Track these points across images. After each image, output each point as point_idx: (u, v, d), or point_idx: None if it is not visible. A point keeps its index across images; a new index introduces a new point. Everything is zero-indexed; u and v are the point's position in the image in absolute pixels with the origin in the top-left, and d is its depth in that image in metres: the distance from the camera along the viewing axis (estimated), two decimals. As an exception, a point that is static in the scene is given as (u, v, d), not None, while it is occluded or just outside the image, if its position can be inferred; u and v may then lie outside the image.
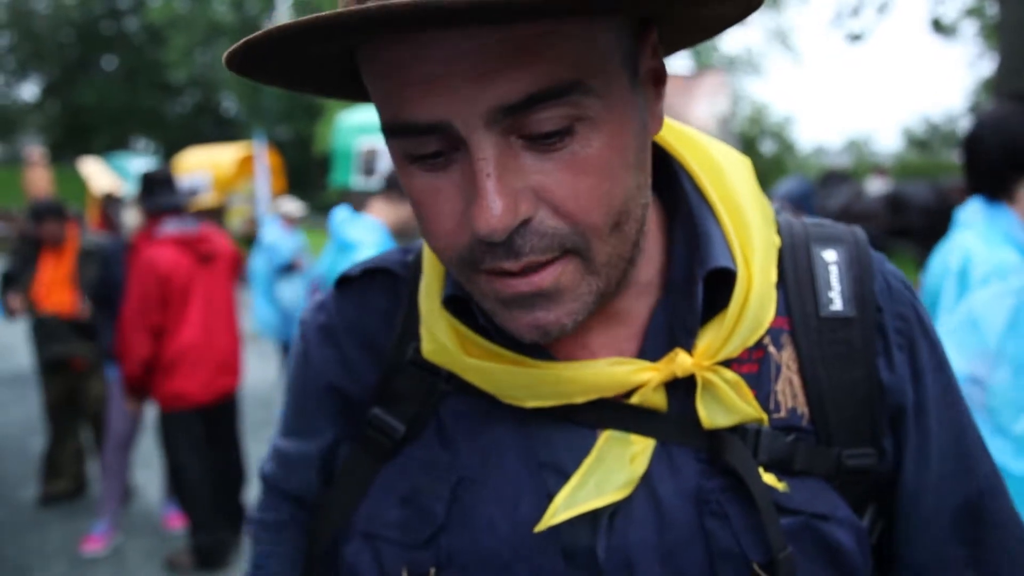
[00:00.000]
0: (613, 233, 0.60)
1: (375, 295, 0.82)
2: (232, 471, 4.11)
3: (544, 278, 0.59)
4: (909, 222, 11.66)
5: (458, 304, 0.71)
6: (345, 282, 0.84)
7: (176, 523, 4.50)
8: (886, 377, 0.71)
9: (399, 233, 3.05)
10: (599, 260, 0.61)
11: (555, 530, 0.67)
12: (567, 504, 0.65)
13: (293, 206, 6.50)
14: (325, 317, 0.83)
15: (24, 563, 4.15)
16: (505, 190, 0.56)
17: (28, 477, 5.26)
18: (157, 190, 3.88)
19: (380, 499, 0.73)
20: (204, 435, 3.91)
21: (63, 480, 4.94)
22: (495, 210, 0.55)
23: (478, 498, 0.70)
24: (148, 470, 5.28)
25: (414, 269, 0.80)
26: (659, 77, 0.66)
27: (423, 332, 0.74)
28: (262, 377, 7.60)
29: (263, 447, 5.59)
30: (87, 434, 5.00)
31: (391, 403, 0.75)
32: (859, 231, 0.76)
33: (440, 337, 0.72)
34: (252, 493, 4.46)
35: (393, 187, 3.09)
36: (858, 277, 0.72)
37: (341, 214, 3.10)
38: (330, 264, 3.06)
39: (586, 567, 0.66)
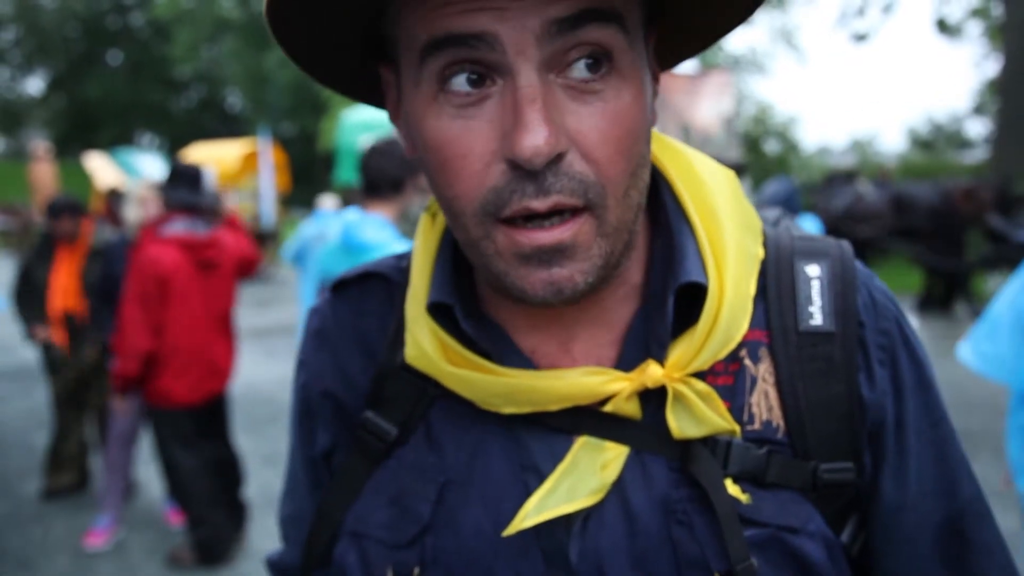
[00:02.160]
0: (625, 196, 0.63)
1: (370, 299, 0.83)
2: (226, 467, 4.13)
3: (564, 232, 0.61)
4: (913, 222, 11.65)
5: (442, 311, 0.72)
6: (341, 286, 0.85)
7: (178, 519, 4.51)
8: (866, 392, 0.72)
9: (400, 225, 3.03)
10: (610, 221, 0.62)
11: (536, 532, 0.69)
12: (538, 508, 0.66)
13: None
14: (320, 321, 0.85)
15: (27, 556, 4.17)
16: (548, 117, 0.57)
17: (32, 471, 5.28)
18: (180, 185, 3.84)
19: (370, 500, 0.75)
20: (195, 432, 3.91)
21: (67, 474, 4.95)
22: (539, 135, 0.56)
23: (463, 500, 0.71)
24: (151, 466, 5.28)
25: (407, 274, 0.81)
26: (655, 76, 0.70)
27: (407, 338, 0.75)
28: (265, 374, 7.62)
29: (265, 443, 5.61)
30: (91, 428, 5.02)
31: (383, 407, 0.77)
32: (846, 245, 0.76)
33: (423, 344, 0.72)
34: (251, 489, 4.47)
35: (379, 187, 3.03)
36: (840, 292, 0.72)
37: (352, 215, 3.05)
38: (341, 266, 3.02)
39: (561, 568, 0.68)
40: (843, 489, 0.71)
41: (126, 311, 3.71)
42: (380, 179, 2.95)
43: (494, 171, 0.60)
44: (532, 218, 0.61)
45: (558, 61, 0.59)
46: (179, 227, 3.79)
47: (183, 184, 3.84)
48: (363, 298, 0.83)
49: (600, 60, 0.59)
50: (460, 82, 0.60)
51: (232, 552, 4.10)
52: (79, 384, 4.83)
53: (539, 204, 0.59)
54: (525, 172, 0.59)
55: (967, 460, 0.76)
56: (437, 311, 0.72)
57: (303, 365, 0.85)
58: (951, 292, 11.50)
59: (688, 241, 0.71)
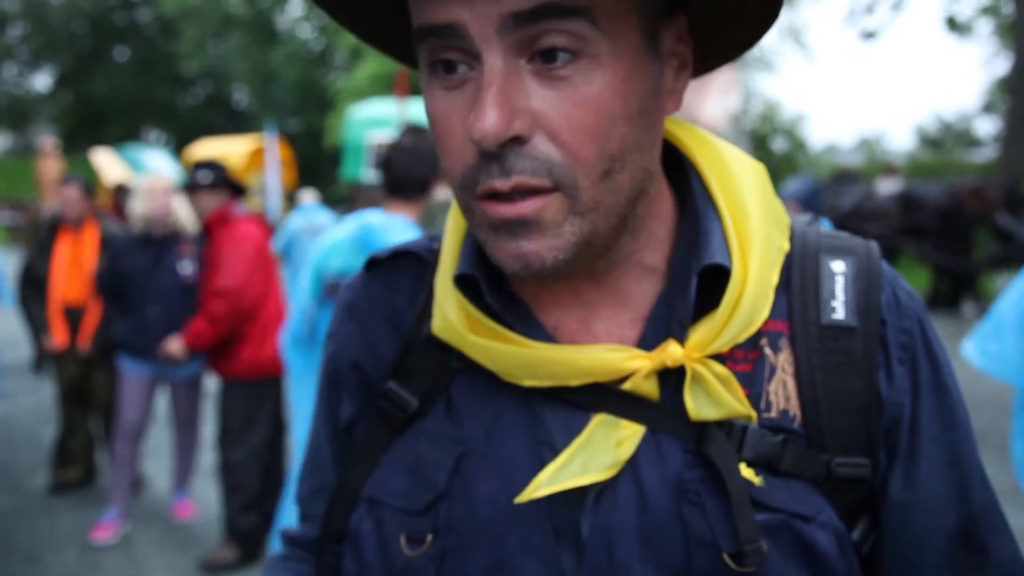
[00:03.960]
0: (603, 178, 0.63)
1: (401, 276, 0.85)
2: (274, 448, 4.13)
3: (528, 206, 0.62)
4: (921, 221, 11.61)
5: (468, 284, 0.74)
6: (374, 264, 0.88)
7: (184, 512, 4.54)
8: (884, 389, 0.72)
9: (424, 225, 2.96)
10: (584, 201, 0.63)
11: (547, 505, 0.70)
12: (551, 480, 0.68)
13: None
14: (351, 296, 0.88)
15: (34, 550, 4.19)
16: (503, 102, 0.60)
17: (39, 465, 5.30)
18: (225, 171, 4.09)
19: (388, 469, 0.77)
20: (266, 408, 4.02)
21: (73, 469, 4.98)
22: (490, 118, 0.59)
23: (479, 470, 0.73)
24: (158, 460, 5.32)
25: (439, 254, 0.83)
26: (683, 63, 0.70)
27: (435, 310, 0.77)
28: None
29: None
30: (97, 423, 5.04)
31: (406, 378, 0.79)
32: (873, 245, 0.77)
33: (449, 315, 0.74)
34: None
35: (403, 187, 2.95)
36: (864, 289, 0.73)
37: (375, 217, 2.89)
38: (354, 265, 2.93)
39: (571, 542, 0.69)
40: (856, 485, 0.71)
41: (233, 289, 3.83)
42: (405, 179, 2.85)
43: (469, 151, 0.63)
44: (499, 195, 0.63)
45: (526, 47, 0.60)
46: (242, 208, 4.04)
47: (223, 171, 4.10)
48: (395, 275, 0.86)
49: (567, 49, 0.60)
50: (443, 67, 0.64)
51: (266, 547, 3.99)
52: (83, 378, 4.84)
53: (501, 184, 0.62)
54: (489, 153, 0.61)
55: (983, 468, 0.75)
56: (464, 284, 0.74)
57: (332, 336, 0.88)
58: (958, 291, 11.47)
59: (714, 226, 0.72)
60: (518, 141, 0.61)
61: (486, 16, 0.59)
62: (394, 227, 2.81)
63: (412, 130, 2.98)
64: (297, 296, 3.08)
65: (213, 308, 3.89)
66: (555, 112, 0.61)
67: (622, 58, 0.62)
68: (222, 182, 4.04)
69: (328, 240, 2.97)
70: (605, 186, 0.64)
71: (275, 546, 3.05)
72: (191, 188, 4.04)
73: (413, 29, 0.64)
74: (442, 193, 3.06)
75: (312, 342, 2.99)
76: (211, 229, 4.03)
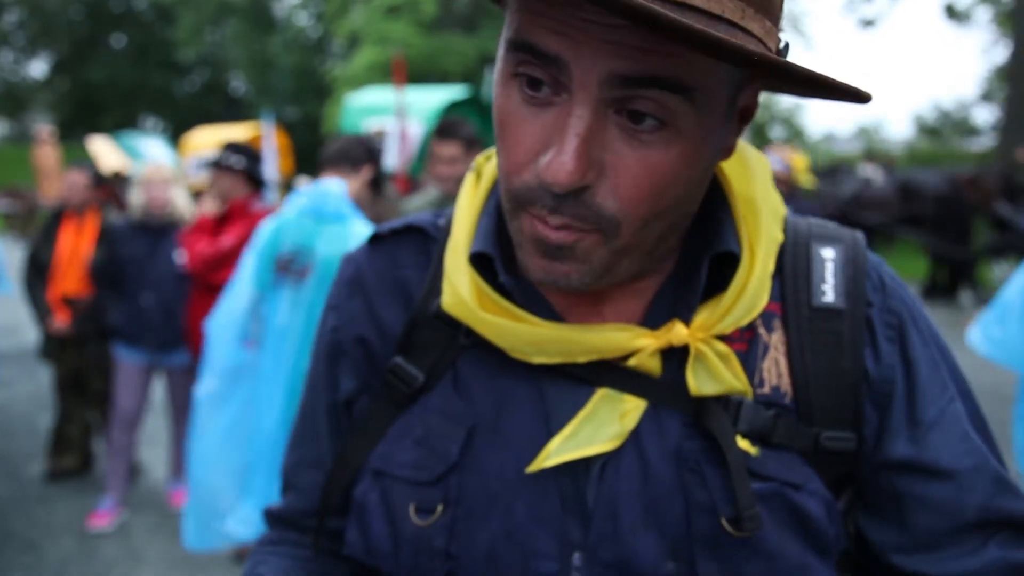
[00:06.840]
0: (643, 227, 0.66)
1: (406, 251, 0.87)
2: None
3: (568, 237, 0.65)
4: (920, 210, 11.61)
5: (482, 263, 0.76)
6: (377, 239, 0.89)
7: (181, 500, 4.53)
8: (871, 367, 0.75)
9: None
10: (619, 244, 0.66)
11: (554, 476, 0.73)
12: (559, 451, 0.71)
13: None
14: (355, 270, 0.88)
15: (31, 538, 4.19)
16: (583, 153, 0.61)
17: (36, 453, 5.29)
18: (256, 163, 4.01)
19: (395, 442, 0.79)
20: None
21: (70, 456, 4.97)
22: (567, 167, 0.60)
23: (489, 444, 0.75)
24: (154, 448, 5.32)
25: (445, 231, 0.84)
26: (747, 115, 0.72)
27: (445, 286, 0.78)
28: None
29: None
30: (93, 412, 5.02)
31: (412, 353, 0.81)
32: (859, 234, 0.81)
33: (460, 291, 0.76)
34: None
35: (343, 159, 3.00)
36: (852, 275, 0.77)
37: (333, 186, 2.92)
38: (310, 238, 2.85)
39: (577, 511, 0.73)
40: (842, 457, 0.75)
41: (222, 255, 3.78)
42: (342, 152, 3.00)
43: (531, 170, 0.64)
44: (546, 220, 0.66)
45: (618, 102, 0.61)
46: (261, 203, 4.02)
47: (257, 163, 4.03)
48: (400, 250, 0.87)
49: (657, 117, 0.61)
50: (527, 80, 0.64)
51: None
52: (79, 365, 4.83)
53: (552, 220, 0.65)
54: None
55: (992, 441, 0.77)
56: (478, 262, 0.76)
57: (334, 310, 0.88)
58: (956, 280, 11.48)
59: (726, 217, 0.76)
60: (582, 188, 0.63)
61: (591, 67, 0.59)
62: (342, 196, 2.87)
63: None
64: (237, 289, 2.97)
65: (213, 247, 3.84)
66: (625, 169, 0.62)
67: (704, 130, 0.64)
68: (251, 172, 3.97)
69: (272, 224, 2.96)
70: (642, 233, 0.66)
71: (235, 523, 2.95)
72: (219, 167, 3.94)
73: (510, 37, 0.64)
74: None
75: (258, 335, 2.89)
76: (231, 216, 3.94)
